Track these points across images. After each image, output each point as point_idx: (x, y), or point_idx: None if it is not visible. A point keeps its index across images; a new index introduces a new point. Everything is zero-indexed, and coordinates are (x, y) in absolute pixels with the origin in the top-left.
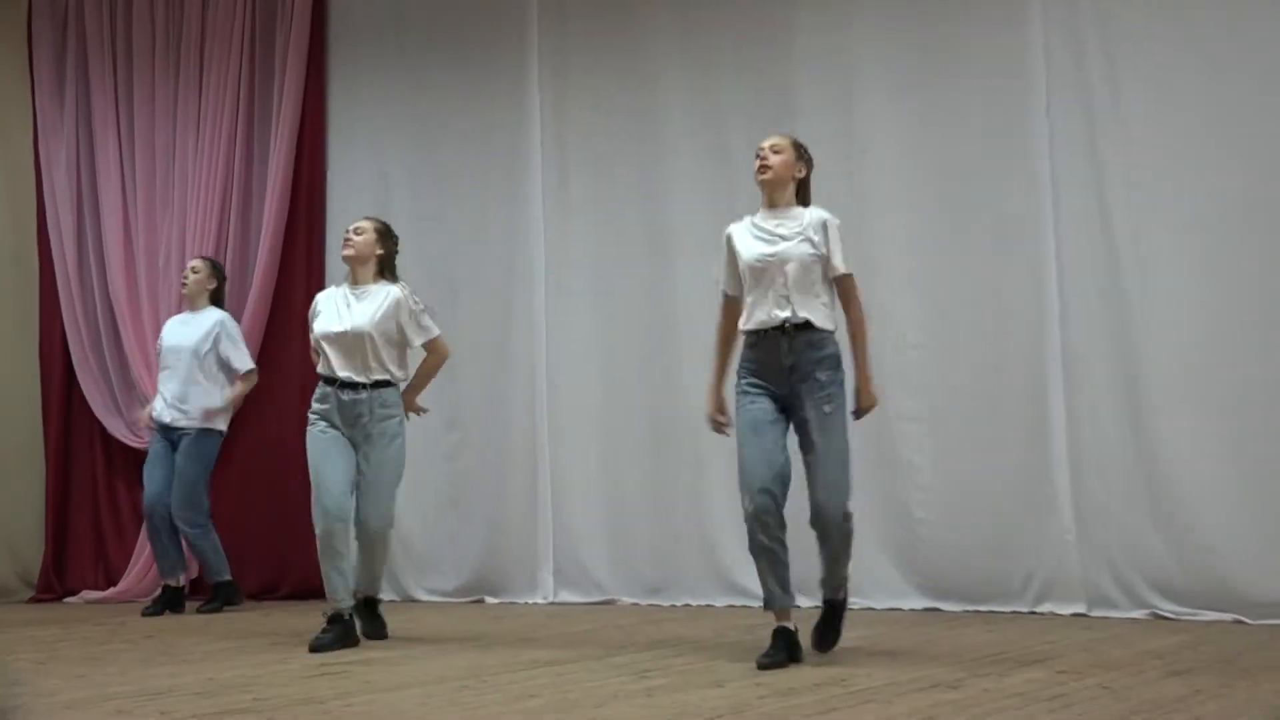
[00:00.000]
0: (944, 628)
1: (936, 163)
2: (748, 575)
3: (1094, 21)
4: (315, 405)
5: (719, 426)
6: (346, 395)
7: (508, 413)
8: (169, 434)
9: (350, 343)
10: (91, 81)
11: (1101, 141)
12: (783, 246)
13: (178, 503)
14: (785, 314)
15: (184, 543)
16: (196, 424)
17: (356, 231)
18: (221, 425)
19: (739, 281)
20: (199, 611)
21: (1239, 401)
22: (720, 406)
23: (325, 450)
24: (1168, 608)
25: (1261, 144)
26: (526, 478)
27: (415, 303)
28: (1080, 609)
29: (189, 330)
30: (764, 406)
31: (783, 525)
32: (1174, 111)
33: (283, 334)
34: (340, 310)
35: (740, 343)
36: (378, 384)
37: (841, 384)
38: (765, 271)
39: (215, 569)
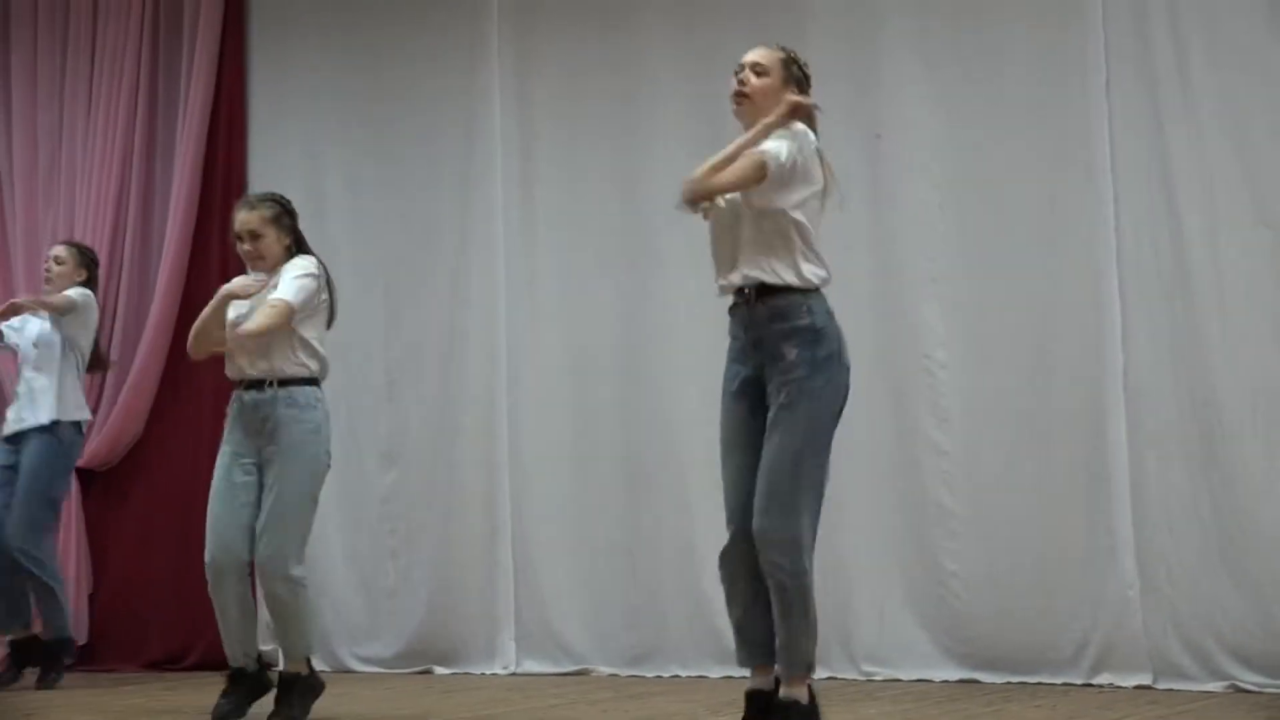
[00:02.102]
0: (983, 703)
1: (972, 147)
2: None
3: None
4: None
5: None
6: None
7: (459, 446)
8: (13, 447)
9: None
10: None
11: (1169, 124)
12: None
13: (19, 524)
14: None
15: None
16: (41, 420)
17: (251, 236)
18: (65, 414)
19: None
20: (40, 686)
21: None
22: None
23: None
24: (1249, 679)
25: None
26: (482, 524)
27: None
28: (1145, 680)
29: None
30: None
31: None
32: (1252, 88)
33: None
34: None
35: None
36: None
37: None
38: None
39: (63, 621)
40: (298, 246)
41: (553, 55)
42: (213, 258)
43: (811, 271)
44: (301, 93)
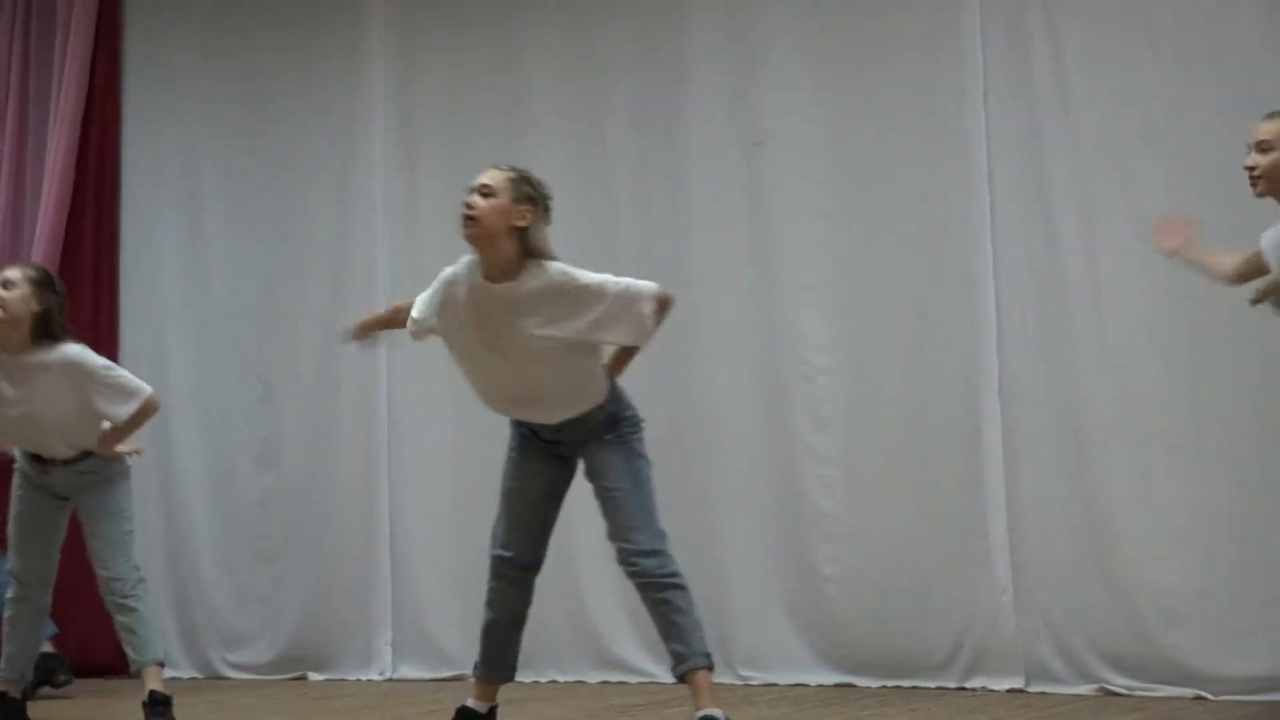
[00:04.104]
0: (858, 707)
1: (852, 155)
2: (624, 645)
3: None
4: None
5: None
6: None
7: (336, 449)
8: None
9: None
10: None
11: (1046, 133)
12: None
13: None
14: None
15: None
16: None
17: (4, 285)
18: None
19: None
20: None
21: (1200, 441)
22: None
23: None
24: (1119, 682)
25: (1224, 140)
26: (359, 528)
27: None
28: (1017, 684)
29: None
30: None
31: None
32: (1127, 99)
33: None
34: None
35: None
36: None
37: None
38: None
39: None
40: (47, 320)
41: (435, 49)
42: (85, 258)
43: None
44: (177, 89)
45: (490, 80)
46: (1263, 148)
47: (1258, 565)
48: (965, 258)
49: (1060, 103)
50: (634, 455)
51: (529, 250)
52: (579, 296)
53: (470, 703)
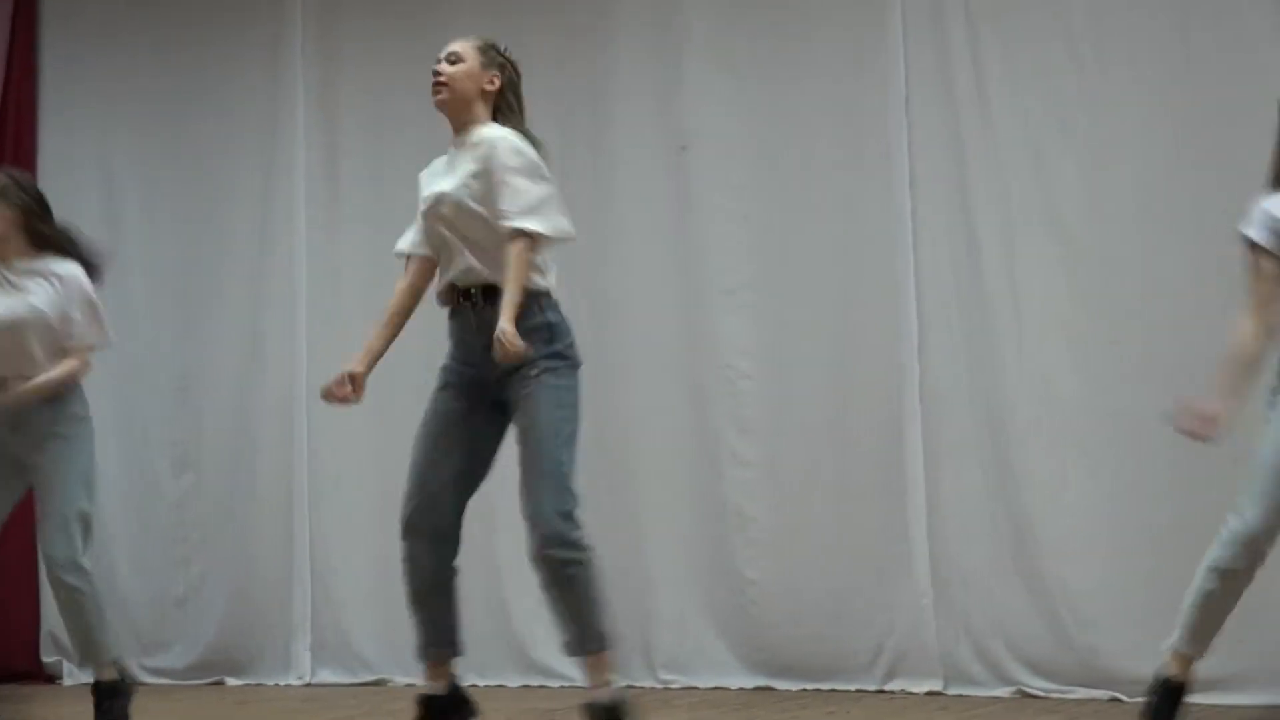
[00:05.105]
0: (776, 710)
1: (775, 159)
2: (546, 649)
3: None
4: None
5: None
6: None
7: (255, 451)
8: None
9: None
10: None
11: (967, 139)
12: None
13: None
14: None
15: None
16: None
17: None
18: None
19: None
20: None
21: (1117, 447)
22: None
23: None
24: (1036, 684)
25: (1144, 147)
26: (278, 531)
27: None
28: (936, 686)
29: None
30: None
31: None
32: (1047, 105)
33: None
34: None
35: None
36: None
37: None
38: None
39: None
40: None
41: (356, 50)
42: None
43: None
44: (95, 87)
45: (412, 80)
46: None
47: (1172, 569)
48: (887, 263)
49: (981, 109)
50: (558, 405)
51: (497, 114)
52: (489, 175)
53: (425, 686)
